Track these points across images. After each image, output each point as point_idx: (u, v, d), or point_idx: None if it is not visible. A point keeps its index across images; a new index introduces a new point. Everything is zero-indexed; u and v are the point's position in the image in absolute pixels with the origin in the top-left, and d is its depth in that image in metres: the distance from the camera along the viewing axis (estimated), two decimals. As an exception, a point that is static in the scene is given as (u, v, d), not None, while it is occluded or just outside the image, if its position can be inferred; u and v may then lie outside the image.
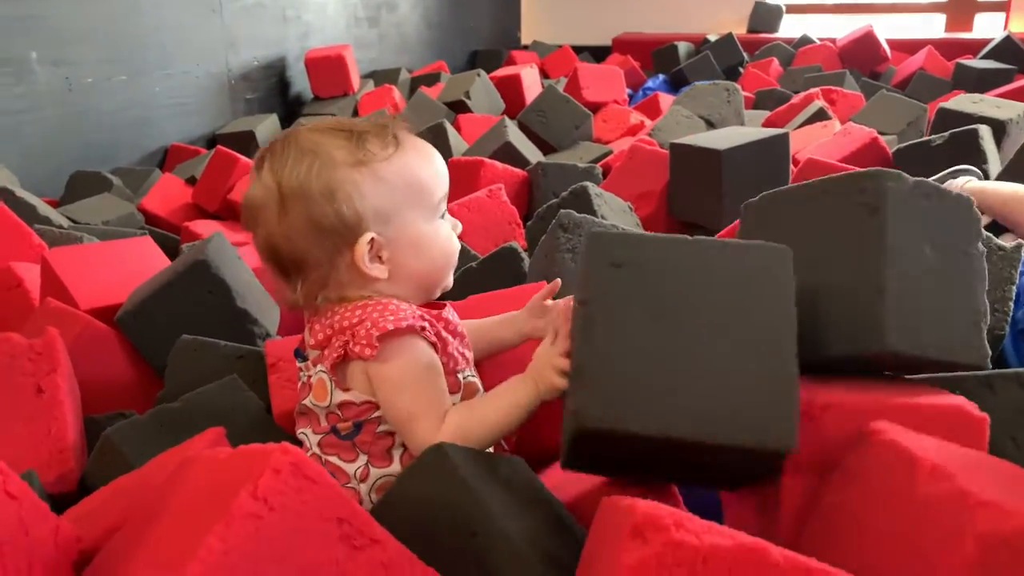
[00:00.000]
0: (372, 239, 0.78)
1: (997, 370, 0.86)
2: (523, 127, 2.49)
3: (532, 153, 2.24)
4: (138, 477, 0.76)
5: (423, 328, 0.78)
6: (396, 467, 0.79)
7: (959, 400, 0.72)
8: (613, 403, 0.64)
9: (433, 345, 0.79)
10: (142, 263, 1.32)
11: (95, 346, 1.13)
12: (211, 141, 2.80)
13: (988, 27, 4.35)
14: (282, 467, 0.53)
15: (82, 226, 1.83)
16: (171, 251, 1.56)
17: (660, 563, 0.50)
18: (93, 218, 1.95)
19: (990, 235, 1.08)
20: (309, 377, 0.81)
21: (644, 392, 0.65)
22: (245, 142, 2.63)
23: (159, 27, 2.64)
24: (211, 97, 2.90)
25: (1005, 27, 4.14)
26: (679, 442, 0.63)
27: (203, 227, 1.91)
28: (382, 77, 3.51)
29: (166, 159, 2.69)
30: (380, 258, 0.79)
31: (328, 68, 3.16)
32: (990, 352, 0.81)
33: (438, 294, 0.86)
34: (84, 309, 1.18)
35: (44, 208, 1.85)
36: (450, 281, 0.86)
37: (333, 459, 0.79)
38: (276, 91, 3.22)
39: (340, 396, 0.78)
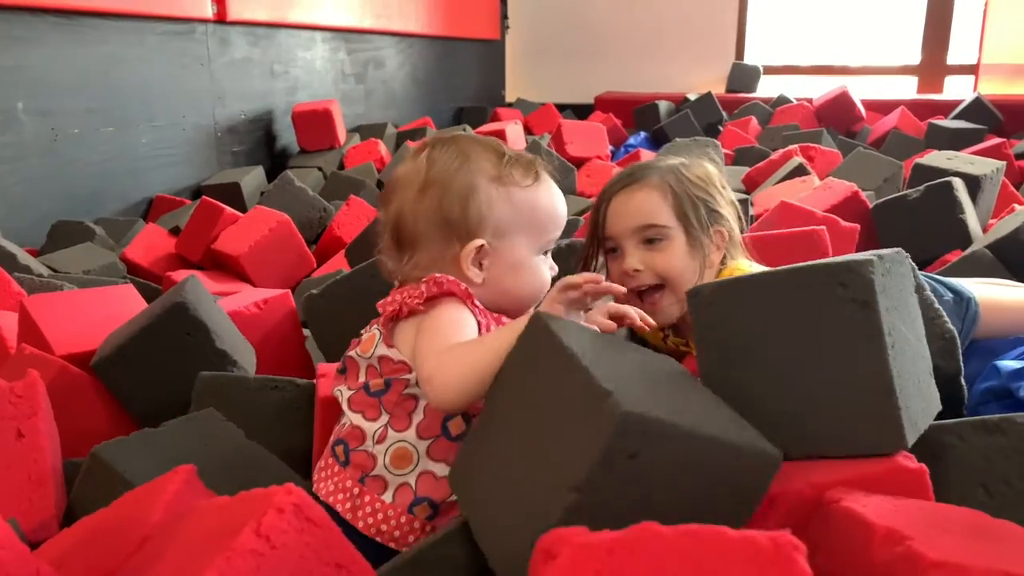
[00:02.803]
0: (482, 246, 0.88)
1: (965, 419, 0.87)
2: (507, 180, 2.51)
3: (516, 205, 2.26)
4: (110, 515, 0.74)
5: (470, 296, 0.86)
6: (412, 433, 0.83)
7: (896, 458, 0.73)
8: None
9: (477, 318, 0.86)
10: (122, 310, 1.30)
11: (70, 392, 1.11)
12: (196, 192, 2.80)
13: (958, 89, 4.49)
14: (286, 507, 0.54)
15: (62, 275, 1.81)
16: (153, 301, 1.55)
17: (571, 569, 0.51)
18: (74, 267, 1.94)
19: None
20: (362, 336, 0.89)
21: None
22: (230, 194, 2.64)
23: (147, 80, 2.67)
24: (197, 149, 2.92)
25: (974, 89, 4.27)
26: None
27: (185, 277, 1.89)
28: (368, 131, 3.55)
29: (150, 210, 2.69)
30: (480, 265, 0.89)
31: (315, 122, 3.20)
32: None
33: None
34: (59, 355, 1.16)
35: (24, 257, 1.84)
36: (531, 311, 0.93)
37: (357, 417, 0.86)
38: (262, 144, 3.25)
39: (383, 350, 0.86)
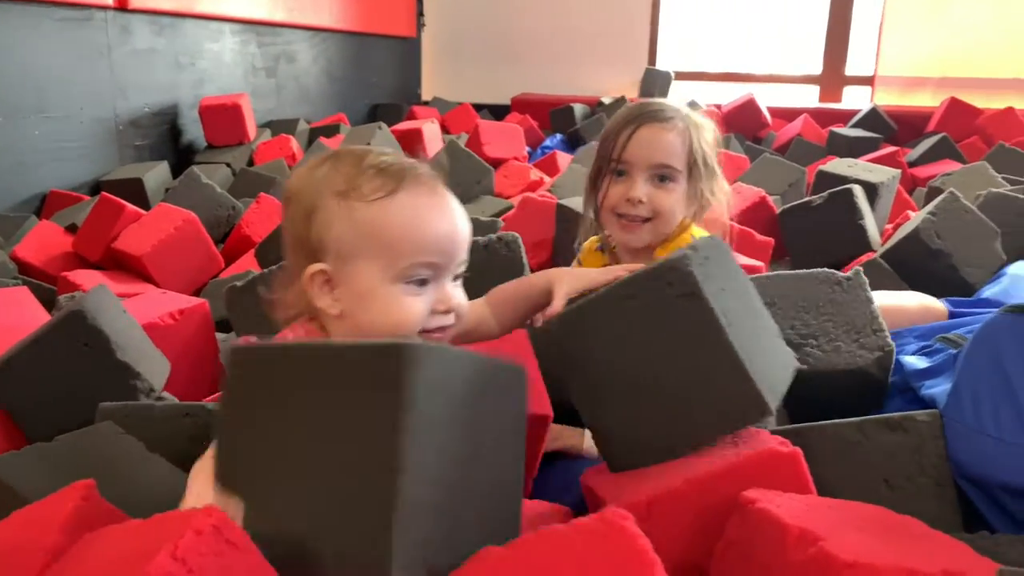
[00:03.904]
0: (322, 271, 0.78)
1: (870, 416, 0.90)
2: (424, 180, 2.49)
3: (433, 206, 2.23)
4: (1, 537, 0.68)
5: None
6: None
7: (770, 445, 0.75)
8: None
9: None
10: (17, 315, 1.22)
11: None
12: (95, 188, 2.66)
13: (856, 99, 4.72)
14: (204, 529, 0.52)
15: (-56, 275, 1.69)
16: (46, 303, 1.46)
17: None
18: (-42, 267, 1.81)
19: (834, 271, 1.15)
20: None
21: None
22: (132, 190, 2.52)
23: (40, 68, 2.52)
24: (96, 143, 2.77)
25: (871, 100, 4.50)
26: None
27: (83, 277, 1.80)
28: (280, 127, 3.46)
29: (44, 206, 2.54)
30: (334, 293, 0.79)
31: (223, 116, 3.09)
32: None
33: None
34: (-57, 365, 1.08)
35: (-99, 255, 1.70)
36: None
37: None
38: (167, 138, 3.12)
39: None
